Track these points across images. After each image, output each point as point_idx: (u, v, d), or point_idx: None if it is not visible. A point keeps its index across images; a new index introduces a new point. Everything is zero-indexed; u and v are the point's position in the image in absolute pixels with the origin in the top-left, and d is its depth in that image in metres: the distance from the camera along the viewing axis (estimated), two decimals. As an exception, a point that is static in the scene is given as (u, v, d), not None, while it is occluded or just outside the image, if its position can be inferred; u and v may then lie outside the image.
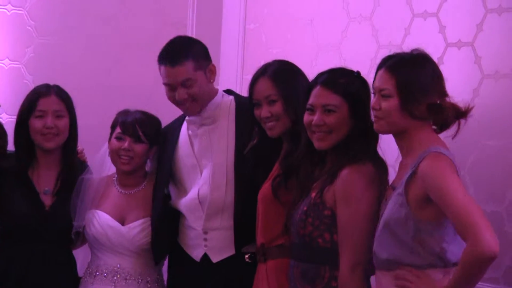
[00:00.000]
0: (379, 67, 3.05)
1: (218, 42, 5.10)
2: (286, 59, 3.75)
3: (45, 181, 3.90)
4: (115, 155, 3.83)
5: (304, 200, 3.20)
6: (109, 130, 3.95)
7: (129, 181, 3.86)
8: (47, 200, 3.87)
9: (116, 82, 4.84)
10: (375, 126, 3.03)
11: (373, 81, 3.08)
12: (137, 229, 3.76)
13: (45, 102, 3.87)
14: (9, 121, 4.25)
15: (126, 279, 3.77)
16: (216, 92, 3.84)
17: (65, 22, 4.76)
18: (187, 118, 3.89)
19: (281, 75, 3.56)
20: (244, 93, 3.94)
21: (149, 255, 3.81)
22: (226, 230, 3.77)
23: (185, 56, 3.72)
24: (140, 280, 3.77)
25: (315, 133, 3.21)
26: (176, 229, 3.90)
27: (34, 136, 3.89)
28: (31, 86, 4.31)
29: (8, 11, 4.62)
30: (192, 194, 3.83)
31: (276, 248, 3.45)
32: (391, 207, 2.88)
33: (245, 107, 3.72)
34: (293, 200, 3.31)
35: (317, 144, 3.21)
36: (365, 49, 4.07)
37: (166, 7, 5.06)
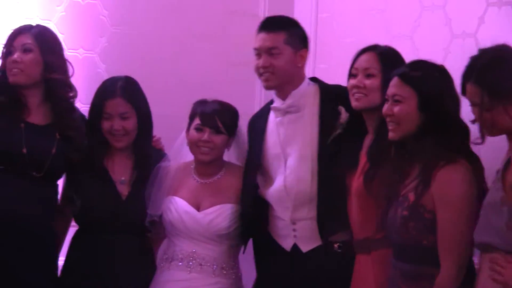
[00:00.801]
0: (465, 80, 3.09)
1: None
2: (358, 48, 3.75)
3: (121, 171, 3.99)
4: (194, 146, 3.89)
5: (399, 201, 3.22)
6: (182, 118, 3.99)
7: (207, 171, 3.89)
8: (124, 190, 3.95)
9: (187, 71, 4.82)
10: (489, 133, 3.06)
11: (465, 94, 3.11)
12: (212, 215, 3.80)
13: (111, 105, 3.95)
14: (83, 110, 4.28)
15: (201, 264, 3.81)
16: (302, 79, 3.88)
17: (137, 11, 4.77)
18: (272, 105, 3.92)
19: (388, 56, 3.61)
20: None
21: (224, 242, 3.84)
22: (314, 220, 3.81)
23: (281, 27, 3.82)
24: (215, 266, 3.81)
25: (388, 123, 3.27)
26: (266, 218, 3.93)
27: (105, 134, 3.96)
28: (105, 76, 4.50)
29: (82, 1, 4.63)
30: (278, 185, 3.89)
31: (378, 240, 3.49)
32: (490, 192, 2.90)
33: (329, 96, 3.81)
34: (386, 195, 3.35)
35: (389, 135, 3.28)
36: (438, 39, 4.00)
37: None
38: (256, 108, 4.52)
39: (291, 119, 3.88)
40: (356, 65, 3.60)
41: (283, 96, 3.88)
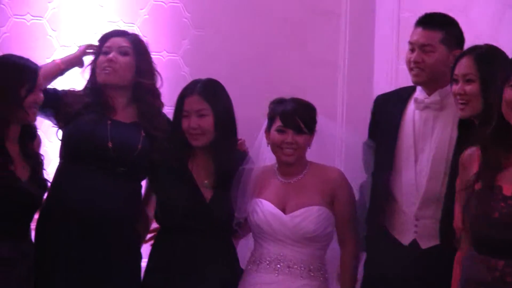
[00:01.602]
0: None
1: (372, 31, 5.07)
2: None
3: (204, 173, 3.97)
4: (277, 147, 3.87)
5: (498, 196, 3.17)
6: (261, 119, 3.99)
7: (291, 170, 3.87)
8: (207, 193, 3.94)
9: (270, 71, 4.85)
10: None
11: None
12: (298, 218, 3.78)
13: (189, 102, 3.96)
14: (168, 112, 4.31)
15: (289, 267, 3.79)
16: (448, 81, 3.86)
17: (219, 13, 4.81)
18: (414, 96, 3.94)
19: (486, 57, 3.61)
20: (399, 83, 3.99)
21: (311, 244, 3.82)
22: (437, 220, 3.81)
23: (439, 26, 3.84)
24: (302, 269, 3.79)
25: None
26: (382, 210, 3.97)
27: (185, 133, 3.98)
28: (188, 78, 4.49)
29: (165, 4, 4.68)
30: (408, 179, 3.90)
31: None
32: None
33: None
34: (469, 185, 3.29)
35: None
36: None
37: None
38: (339, 108, 4.59)
39: (430, 115, 3.89)
40: (455, 71, 3.62)
41: (428, 91, 3.89)
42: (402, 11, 4.81)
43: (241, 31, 4.84)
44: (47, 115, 4.06)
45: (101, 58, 3.98)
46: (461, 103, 3.65)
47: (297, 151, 3.84)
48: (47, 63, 4.06)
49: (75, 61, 4.17)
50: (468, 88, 3.63)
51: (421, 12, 4.27)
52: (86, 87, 4.07)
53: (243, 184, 3.95)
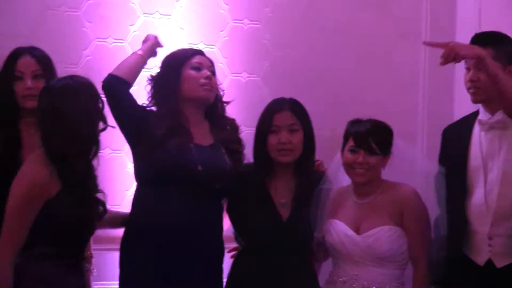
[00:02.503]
0: None
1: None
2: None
3: (282, 193, 3.96)
4: (349, 167, 3.85)
5: None
6: (338, 140, 3.99)
7: (365, 190, 3.86)
8: (285, 212, 3.93)
9: (352, 92, 4.85)
10: None
11: None
12: (371, 238, 3.75)
13: (279, 117, 3.95)
14: (247, 133, 4.32)
15: (363, 286, 3.77)
16: None
17: (299, 34, 4.82)
18: (478, 118, 3.91)
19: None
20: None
21: (387, 264, 3.79)
22: (511, 237, 3.79)
23: (489, 43, 3.80)
24: None
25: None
26: (459, 233, 3.91)
27: (271, 151, 3.96)
28: (268, 99, 4.36)
29: (244, 25, 4.73)
30: (478, 199, 3.84)
31: None
32: None
33: None
34: None
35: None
36: None
37: (399, 18, 5.03)
38: (420, 128, 4.59)
39: (495, 134, 3.86)
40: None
41: (490, 110, 3.87)
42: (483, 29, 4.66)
43: (322, 52, 4.85)
44: (126, 130, 4.04)
45: (193, 73, 3.97)
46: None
47: (369, 171, 3.83)
48: (129, 57, 4.10)
49: (151, 50, 4.18)
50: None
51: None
52: (162, 108, 4.02)
53: (322, 203, 3.93)
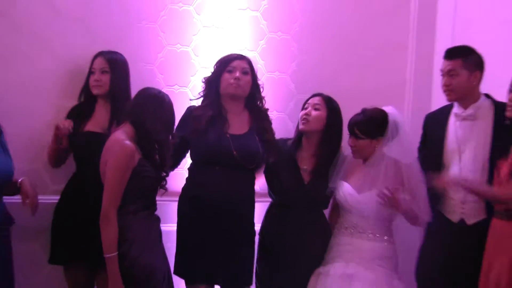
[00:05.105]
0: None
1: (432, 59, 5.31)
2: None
3: (305, 161, 4.34)
4: (350, 147, 4.26)
5: None
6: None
7: (367, 162, 4.21)
8: (306, 176, 4.29)
9: (349, 87, 5.11)
10: None
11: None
12: (368, 197, 4.13)
13: (312, 100, 4.33)
14: (280, 117, 4.91)
15: (359, 232, 4.18)
16: (478, 95, 4.20)
17: (319, 42, 5.18)
18: (453, 111, 4.18)
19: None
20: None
21: (378, 217, 4.13)
22: (479, 202, 4.12)
23: (458, 56, 4.16)
24: (370, 235, 4.16)
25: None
26: (437, 198, 4.17)
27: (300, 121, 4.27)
28: (294, 92, 5.09)
29: (278, 36, 5.10)
30: (454, 172, 4.17)
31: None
32: None
33: (500, 110, 4.04)
34: None
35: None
36: None
37: (388, 30, 5.33)
38: (406, 119, 4.77)
39: (468, 124, 4.14)
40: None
41: (463, 106, 4.16)
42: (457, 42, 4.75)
43: (333, 57, 5.21)
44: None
45: (227, 75, 4.23)
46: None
47: (360, 151, 4.20)
48: None
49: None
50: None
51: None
52: (207, 100, 4.31)
53: (339, 167, 4.29)
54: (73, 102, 4.44)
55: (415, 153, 4.32)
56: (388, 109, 4.22)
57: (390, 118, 4.16)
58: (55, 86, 4.55)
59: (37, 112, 4.54)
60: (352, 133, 4.19)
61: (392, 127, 4.13)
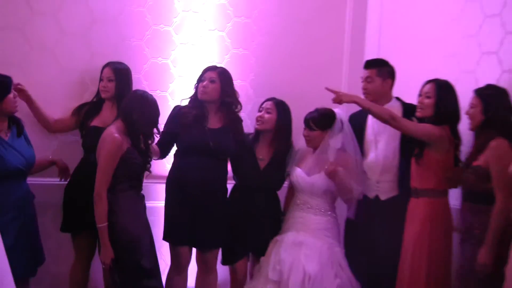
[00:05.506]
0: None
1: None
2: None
3: (261, 152, 4.98)
4: (304, 137, 4.75)
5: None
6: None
7: (316, 150, 4.76)
8: (262, 164, 4.93)
9: (302, 92, 5.56)
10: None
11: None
12: (314, 179, 4.71)
13: (265, 104, 4.87)
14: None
15: (308, 208, 4.77)
16: (390, 98, 4.78)
17: (272, 57, 5.66)
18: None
19: (443, 85, 4.42)
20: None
21: (324, 196, 4.68)
22: (391, 182, 4.69)
23: (373, 66, 4.73)
24: (317, 210, 4.74)
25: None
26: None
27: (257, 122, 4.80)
28: (252, 96, 5.64)
29: (239, 52, 5.49)
30: (371, 159, 4.75)
31: (425, 190, 4.35)
32: None
33: (408, 110, 4.60)
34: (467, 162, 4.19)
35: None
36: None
37: (326, 48, 5.79)
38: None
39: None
40: (421, 91, 4.44)
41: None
42: (382, 51, 5.49)
43: (283, 66, 5.66)
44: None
45: (200, 83, 4.75)
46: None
47: (312, 141, 4.74)
48: None
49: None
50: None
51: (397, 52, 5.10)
52: (192, 101, 4.78)
53: (292, 157, 4.90)
54: (76, 103, 4.99)
55: (356, 144, 4.84)
56: (336, 110, 4.75)
57: (338, 116, 4.72)
58: (60, 91, 5.09)
59: (46, 111, 5.01)
60: (307, 125, 4.77)
61: (338, 123, 4.68)
